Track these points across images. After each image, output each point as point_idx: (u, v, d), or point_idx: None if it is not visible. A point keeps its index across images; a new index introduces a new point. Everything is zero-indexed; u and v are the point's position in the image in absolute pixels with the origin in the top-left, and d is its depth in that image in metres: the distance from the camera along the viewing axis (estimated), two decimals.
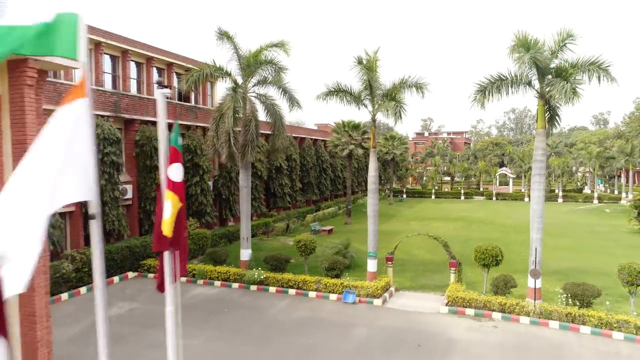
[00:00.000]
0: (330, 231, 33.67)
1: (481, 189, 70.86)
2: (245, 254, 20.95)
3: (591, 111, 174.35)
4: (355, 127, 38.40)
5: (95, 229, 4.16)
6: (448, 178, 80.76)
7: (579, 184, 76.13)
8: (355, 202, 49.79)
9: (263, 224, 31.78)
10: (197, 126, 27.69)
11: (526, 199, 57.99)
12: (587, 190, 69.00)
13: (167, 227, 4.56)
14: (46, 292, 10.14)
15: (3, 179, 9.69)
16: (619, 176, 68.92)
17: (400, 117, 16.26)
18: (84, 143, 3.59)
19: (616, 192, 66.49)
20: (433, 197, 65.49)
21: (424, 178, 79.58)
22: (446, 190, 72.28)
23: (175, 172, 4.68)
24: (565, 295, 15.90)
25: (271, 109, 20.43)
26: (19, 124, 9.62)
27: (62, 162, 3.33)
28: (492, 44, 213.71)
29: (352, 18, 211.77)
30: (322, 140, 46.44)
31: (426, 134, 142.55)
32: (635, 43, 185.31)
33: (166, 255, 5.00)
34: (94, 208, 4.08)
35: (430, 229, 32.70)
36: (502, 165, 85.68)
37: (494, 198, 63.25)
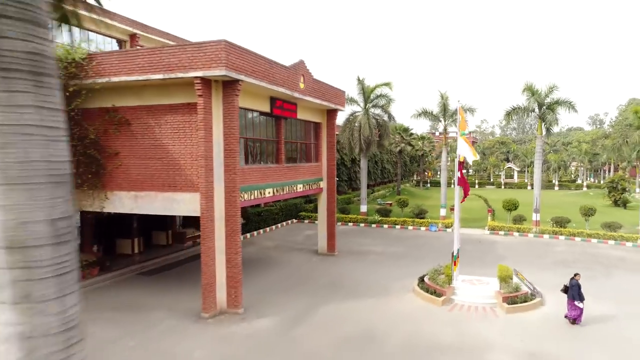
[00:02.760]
0: (390, 204, 47.87)
1: (491, 180, 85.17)
2: (364, 207, 35.32)
3: (588, 112, 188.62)
4: (405, 130, 52.62)
5: None
6: (465, 171, 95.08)
7: (572, 176, 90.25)
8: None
9: (347, 197, 46.07)
10: None
11: (529, 188, 72.29)
12: (579, 181, 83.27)
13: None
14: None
15: (322, 165, 23.91)
16: (607, 170, 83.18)
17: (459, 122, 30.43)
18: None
19: (602, 182, 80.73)
20: (452, 186, 79.78)
21: (438, 172, 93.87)
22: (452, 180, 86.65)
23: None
24: (552, 222, 30.24)
25: (381, 122, 34.80)
26: (330, 135, 23.99)
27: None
28: (492, 46, 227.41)
29: (355, 20, 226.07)
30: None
31: (437, 133, 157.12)
32: (634, 46, 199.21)
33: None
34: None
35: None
36: (507, 160, 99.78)
37: (503, 187, 77.58)
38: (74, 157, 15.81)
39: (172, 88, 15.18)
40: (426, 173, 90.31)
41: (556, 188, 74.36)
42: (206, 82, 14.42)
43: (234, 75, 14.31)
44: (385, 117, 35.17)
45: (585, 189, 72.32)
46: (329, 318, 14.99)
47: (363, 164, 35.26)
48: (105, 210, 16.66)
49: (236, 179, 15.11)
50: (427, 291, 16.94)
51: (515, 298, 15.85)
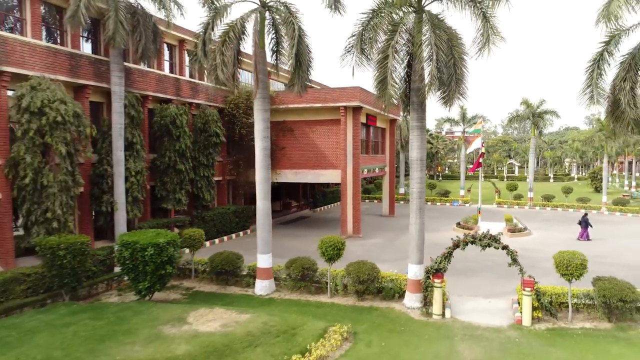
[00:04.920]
0: None
1: (495, 174, 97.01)
2: (402, 189, 47.24)
3: (585, 112, 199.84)
4: (426, 130, 64.46)
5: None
6: (470, 165, 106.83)
7: (566, 170, 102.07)
8: None
9: (380, 183, 57.83)
10: None
11: (527, 180, 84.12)
12: (572, 175, 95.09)
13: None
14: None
15: (386, 156, 35.87)
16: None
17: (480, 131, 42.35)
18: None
19: None
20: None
21: (447, 167, 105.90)
22: (470, 174, 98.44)
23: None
24: (541, 198, 42.15)
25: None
26: (391, 136, 36.00)
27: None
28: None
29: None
30: None
31: (443, 132, 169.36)
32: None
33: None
34: None
35: (472, 192, 58.83)
36: (509, 157, 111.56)
37: (505, 179, 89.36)
38: None
39: (321, 110, 27.05)
40: (437, 168, 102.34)
41: (551, 180, 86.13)
42: (345, 108, 26.32)
43: (361, 104, 26.22)
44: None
45: (575, 180, 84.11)
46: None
47: (402, 157, 47.18)
48: (277, 181, 28.56)
49: (359, 162, 27.00)
50: (462, 228, 28.82)
51: (514, 229, 27.73)
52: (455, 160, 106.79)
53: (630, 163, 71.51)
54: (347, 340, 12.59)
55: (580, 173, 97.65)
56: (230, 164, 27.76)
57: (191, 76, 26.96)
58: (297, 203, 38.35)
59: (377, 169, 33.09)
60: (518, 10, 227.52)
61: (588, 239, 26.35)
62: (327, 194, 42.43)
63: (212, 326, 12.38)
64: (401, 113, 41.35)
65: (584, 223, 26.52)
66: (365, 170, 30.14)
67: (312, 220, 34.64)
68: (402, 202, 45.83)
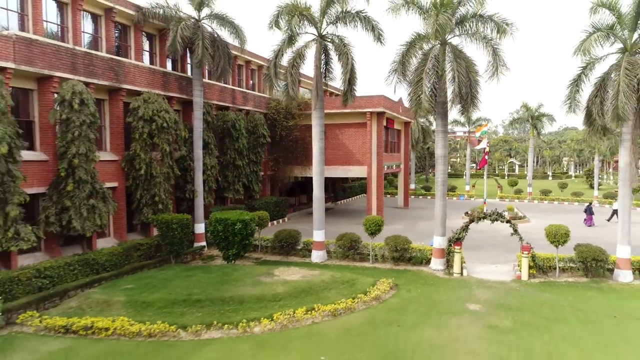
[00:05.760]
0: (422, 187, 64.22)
1: (497, 173, 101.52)
2: (412, 185, 51.70)
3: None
4: (434, 131, 68.75)
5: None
6: (473, 164, 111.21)
7: (564, 169, 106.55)
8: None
9: (391, 179, 62.32)
10: None
11: (527, 177, 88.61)
12: (570, 173, 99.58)
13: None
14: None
15: (401, 155, 40.44)
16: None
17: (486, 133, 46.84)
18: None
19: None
20: (464, 177, 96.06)
21: (450, 166, 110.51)
22: (472, 172, 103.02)
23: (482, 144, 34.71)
24: (540, 193, 46.70)
25: (425, 128, 51.07)
26: (406, 136, 40.63)
27: None
28: None
29: None
30: None
31: None
32: None
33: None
34: None
35: (477, 188, 63.33)
36: (510, 156, 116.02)
37: (506, 177, 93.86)
38: (301, 149, 32.29)
39: (350, 115, 31.57)
40: None
41: (550, 178, 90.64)
42: (371, 113, 30.86)
43: (385, 110, 30.76)
44: (427, 124, 51.56)
45: (573, 177, 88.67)
46: (427, 225, 31.38)
47: (412, 156, 51.65)
48: (310, 176, 33.08)
49: (382, 159, 31.55)
50: (469, 216, 33.32)
51: (515, 217, 32.27)
52: (458, 160, 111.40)
53: None
54: (392, 289, 17.12)
55: (578, 171, 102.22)
56: (270, 161, 32.29)
57: (239, 86, 31.51)
58: None
59: (394, 165, 37.63)
60: (519, 12, 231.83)
61: (587, 225, 30.93)
62: (347, 188, 46.99)
63: (295, 277, 16.92)
64: (415, 116, 45.87)
65: (589, 211, 31.27)
66: (386, 166, 34.65)
67: (336, 211, 39.19)
68: (412, 196, 50.41)
